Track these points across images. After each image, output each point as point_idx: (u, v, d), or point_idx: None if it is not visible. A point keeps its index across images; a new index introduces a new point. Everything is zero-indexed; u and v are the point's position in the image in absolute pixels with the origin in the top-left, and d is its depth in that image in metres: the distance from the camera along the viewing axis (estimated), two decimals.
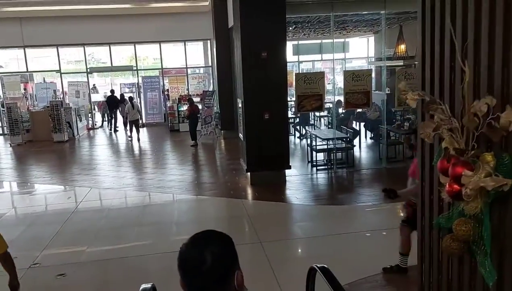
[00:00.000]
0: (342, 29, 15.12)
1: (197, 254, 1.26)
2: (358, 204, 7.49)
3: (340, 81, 15.21)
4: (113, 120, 16.73)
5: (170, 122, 16.12)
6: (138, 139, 14.40)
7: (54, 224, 6.97)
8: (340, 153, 9.88)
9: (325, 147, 9.69)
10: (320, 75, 9.08)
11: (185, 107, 14.65)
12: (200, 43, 19.15)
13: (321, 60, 19.80)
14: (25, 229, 6.90)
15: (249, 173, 8.72)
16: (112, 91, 17.36)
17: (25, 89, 17.23)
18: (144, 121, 17.58)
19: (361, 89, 9.11)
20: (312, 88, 8.92)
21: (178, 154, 12.54)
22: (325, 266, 3.06)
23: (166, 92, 17.90)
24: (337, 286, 2.85)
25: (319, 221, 6.90)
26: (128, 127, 15.05)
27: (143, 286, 2.69)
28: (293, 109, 12.63)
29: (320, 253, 5.66)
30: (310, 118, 14.06)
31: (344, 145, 9.81)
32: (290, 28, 13.53)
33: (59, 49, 17.12)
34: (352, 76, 9.09)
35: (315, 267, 3.08)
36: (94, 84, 21.60)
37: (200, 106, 14.18)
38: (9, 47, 16.85)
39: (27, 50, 16.85)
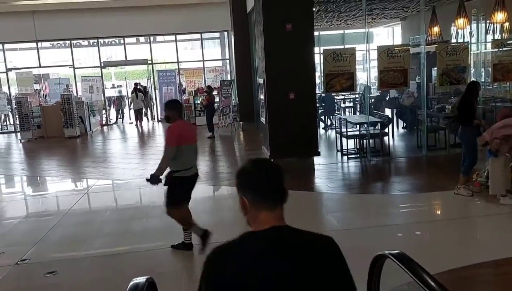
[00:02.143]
0: (369, 14, 14.07)
1: (271, 171, 1.45)
2: (402, 192, 6.44)
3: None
4: (138, 117, 16.42)
5: (186, 116, 15.30)
6: (141, 127, 15.29)
7: (53, 216, 6.17)
8: (373, 140, 8.83)
9: (357, 133, 8.65)
10: (351, 51, 8.08)
11: (202, 100, 13.80)
12: (217, 37, 18.41)
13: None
14: (19, 223, 6.09)
15: (272, 160, 7.76)
16: (136, 84, 17.01)
17: (37, 88, 16.82)
18: (159, 117, 16.88)
19: (398, 66, 8.06)
20: (342, 66, 7.92)
21: None
22: (400, 251, 2.14)
23: (181, 88, 17.14)
24: (422, 274, 1.92)
25: (357, 211, 5.89)
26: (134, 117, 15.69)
27: (135, 280, 1.94)
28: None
29: (362, 246, 4.65)
30: (336, 107, 13.03)
31: (378, 131, 8.75)
32: (314, 10, 12.58)
33: (72, 43, 16.57)
34: (387, 53, 8.05)
35: (387, 254, 2.14)
36: (113, 84, 21.17)
37: (217, 99, 13.34)
38: (21, 41, 16.35)
39: (39, 44, 16.33)
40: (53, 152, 12.00)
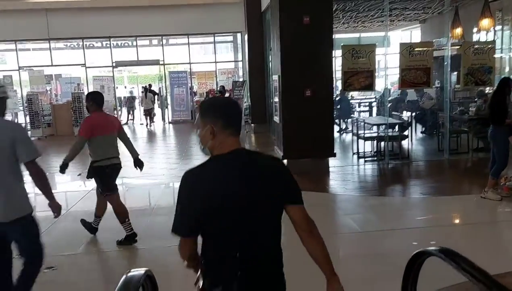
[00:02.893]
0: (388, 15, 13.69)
1: (235, 104, 1.71)
2: (423, 195, 6.03)
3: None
4: (148, 117, 16.54)
5: (197, 117, 15.05)
6: (150, 126, 15.69)
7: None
8: (391, 143, 8.42)
9: (375, 135, 8.26)
10: (371, 48, 7.71)
11: None
12: (229, 40, 18.21)
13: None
14: None
15: (285, 161, 7.40)
16: (150, 85, 17.01)
17: (49, 87, 16.78)
18: (170, 119, 16.68)
19: (420, 65, 7.68)
20: (361, 63, 7.57)
21: None
22: (444, 247, 1.78)
23: (192, 90, 16.94)
24: (478, 271, 1.56)
25: (376, 213, 5.49)
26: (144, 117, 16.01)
27: (132, 272, 1.67)
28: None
29: (384, 249, 4.28)
30: (352, 110, 12.64)
31: (397, 133, 8.35)
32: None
33: (85, 44, 16.49)
34: (409, 50, 7.67)
35: (431, 251, 1.79)
36: (125, 86, 21.13)
37: None
38: (34, 39, 16.31)
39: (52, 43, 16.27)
40: (63, 149, 11.78)
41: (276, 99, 7.72)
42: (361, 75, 7.60)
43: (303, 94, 7.11)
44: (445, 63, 8.18)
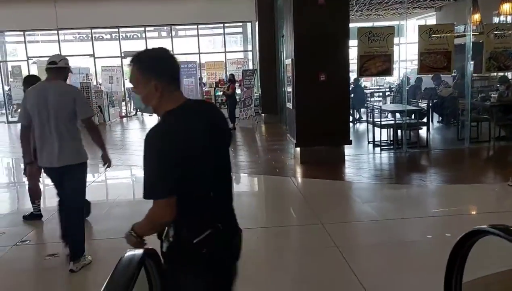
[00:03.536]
0: (402, 2, 13.28)
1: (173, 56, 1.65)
2: (445, 183, 5.71)
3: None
4: None
5: None
6: None
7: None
8: (408, 132, 8.08)
9: (392, 122, 7.92)
10: (389, 30, 7.37)
11: (224, 89, 13.23)
12: (239, 32, 17.90)
13: None
14: (22, 204, 5.59)
15: (298, 149, 7.11)
16: None
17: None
18: None
19: (441, 48, 7.31)
20: (378, 46, 7.23)
21: None
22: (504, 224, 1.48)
23: (202, 81, 16.70)
24: None
25: (395, 201, 5.20)
26: None
27: (128, 253, 1.41)
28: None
29: (405, 237, 4.00)
30: (366, 98, 12.28)
31: (415, 121, 8.00)
32: None
33: (94, 36, 16.31)
34: (429, 33, 7.31)
35: (488, 229, 1.49)
36: None
37: (238, 91, 12.78)
38: (42, 29, 16.16)
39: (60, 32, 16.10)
40: None
41: (289, 89, 7.42)
42: (378, 59, 7.27)
43: (317, 78, 6.80)
44: (468, 45, 7.79)
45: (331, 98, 6.82)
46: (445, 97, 9.73)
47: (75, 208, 3.47)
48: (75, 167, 3.40)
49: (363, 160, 7.28)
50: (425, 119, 8.60)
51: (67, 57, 3.63)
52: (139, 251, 1.39)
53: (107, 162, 3.71)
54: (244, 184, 6.53)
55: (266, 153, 8.18)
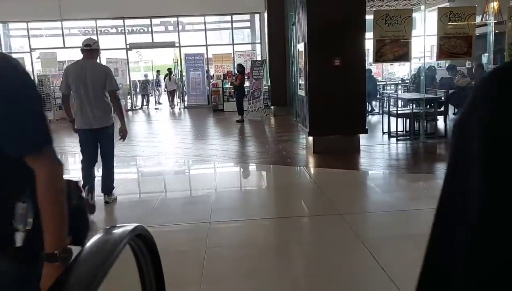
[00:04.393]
0: None
1: None
2: None
3: None
4: (170, 97, 17.35)
5: (213, 100, 14.44)
6: (173, 106, 16.66)
7: None
8: (425, 122, 7.69)
9: (409, 112, 7.53)
10: (407, 13, 6.98)
11: (232, 80, 12.87)
12: (247, 26, 17.53)
13: None
14: None
15: (311, 138, 6.75)
16: (170, 70, 17.49)
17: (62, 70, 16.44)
18: (186, 104, 16.16)
19: (461, 33, 6.91)
20: (395, 31, 6.85)
21: (222, 128, 10.79)
22: None
23: (209, 73, 16.37)
24: None
25: (417, 191, 4.83)
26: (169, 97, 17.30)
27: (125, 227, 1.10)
28: None
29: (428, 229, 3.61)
30: (379, 90, 11.88)
31: (432, 110, 7.61)
32: None
33: (98, 30, 16.01)
34: (449, 16, 6.91)
35: None
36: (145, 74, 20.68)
37: (247, 83, 12.42)
38: (46, 20, 15.88)
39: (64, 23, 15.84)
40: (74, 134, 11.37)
41: (302, 76, 7.06)
42: (395, 44, 6.89)
43: (331, 63, 6.43)
44: (490, 30, 7.39)
45: (346, 84, 6.46)
46: (462, 87, 9.31)
47: (111, 158, 4.41)
48: (108, 128, 4.25)
49: (379, 150, 6.91)
50: (441, 109, 8.19)
51: (97, 41, 4.39)
52: (127, 227, 1.04)
53: (123, 134, 4.39)
54: (255, 174, 6.19)
55: (277, 144, 7.83)
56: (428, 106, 7.76)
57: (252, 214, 4.08)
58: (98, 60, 4.46)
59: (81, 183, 3.85)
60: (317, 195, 4.73)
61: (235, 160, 6.74)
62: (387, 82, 13.12)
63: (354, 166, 5.89)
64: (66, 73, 4.21)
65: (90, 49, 4.19)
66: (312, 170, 5.89)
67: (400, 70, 19.05)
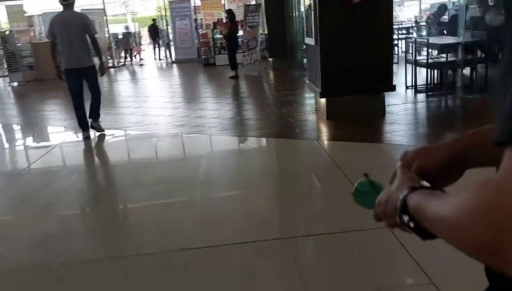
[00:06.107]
0: None
1: None
2: None
3: None
4: (156, 50, 16.56)
5: (204, 53, 12.81)
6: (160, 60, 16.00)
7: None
8: (459, 71, 6.27)
9: (443, 60, 6.06)
10: None
11: (221, 29, 11.19)
12: None
13: None
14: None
15: (324, 100, 5.35)
16: (154, 20, 17.07)
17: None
18: (174, 58, 14.55)
19: None
20: None
21: (213, 87, 9.33)
22: None
23: (197, 22, 14.62)
24: None
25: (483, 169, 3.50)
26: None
27: None
28: None
29: None
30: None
31: (473, 58, 6.16)
32: None
33: None
34: None
35: None
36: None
37: (241, 33, 10.78)
38: None
39: None
40: (47, 96, 9.92)
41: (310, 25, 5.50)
42: None
43: (348, 1, 4.90)
44: None
45: (369, 28, 4.96)
46: (494, 28, 7.74)
47: (98, 90, 5.35)
48: (90, 68, 5.14)
49: (410, 111, 5.53)
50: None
51: None
52: None
53: (102, 70, 5.35)
54: (256, 151, 4.82)
55: (280, 106, 6.40)
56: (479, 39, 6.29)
57: (257, 234, 2.76)
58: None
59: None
60: (338, 178, 3.38)
61: (229, 132, 5.34)
62: (400, 26, 11.44)
63: (379, 137, 4.55)
64: (52, 24, 5.13)
65: (68, 3, 5.05)
66: (329, 146, 4.53)
67: (401, 14, 17.48)
